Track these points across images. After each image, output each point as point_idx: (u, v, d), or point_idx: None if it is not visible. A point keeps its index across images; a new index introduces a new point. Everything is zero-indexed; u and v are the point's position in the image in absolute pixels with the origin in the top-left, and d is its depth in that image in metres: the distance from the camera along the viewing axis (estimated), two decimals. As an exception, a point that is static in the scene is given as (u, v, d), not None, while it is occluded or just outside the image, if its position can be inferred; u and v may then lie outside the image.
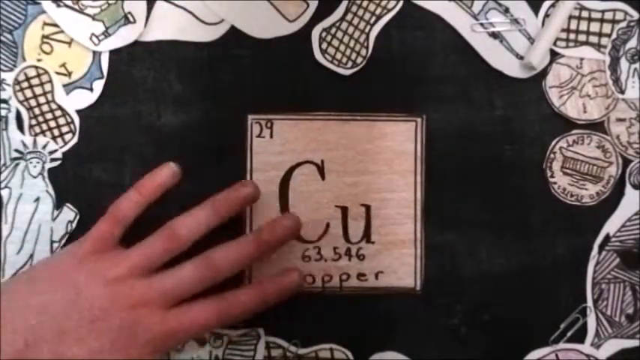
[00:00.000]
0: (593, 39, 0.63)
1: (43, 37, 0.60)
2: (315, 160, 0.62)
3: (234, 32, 0.61)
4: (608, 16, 0.63)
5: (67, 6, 0.60)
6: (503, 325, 0.63)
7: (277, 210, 0.62)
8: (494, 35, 0.63)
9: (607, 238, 0.63)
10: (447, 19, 0.63)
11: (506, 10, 0.63)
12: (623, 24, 0.63)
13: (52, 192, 0.61)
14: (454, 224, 0.63)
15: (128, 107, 0.61)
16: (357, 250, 0.62)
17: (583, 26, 0.63)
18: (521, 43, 0.63)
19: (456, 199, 0.63)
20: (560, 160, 0.63)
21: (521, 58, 0.63)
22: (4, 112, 0.61)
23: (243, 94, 0.62)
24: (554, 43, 0.63)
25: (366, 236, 0.62)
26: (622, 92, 0.63)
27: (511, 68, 0.63)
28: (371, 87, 0.62)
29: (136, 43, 0.61)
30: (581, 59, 0.63)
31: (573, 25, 0.63)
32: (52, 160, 0.61)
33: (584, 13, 0.63)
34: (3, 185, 0.61)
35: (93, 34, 0.60)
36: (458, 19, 0.63)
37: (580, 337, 0.63)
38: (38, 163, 0.61)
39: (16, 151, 0.61)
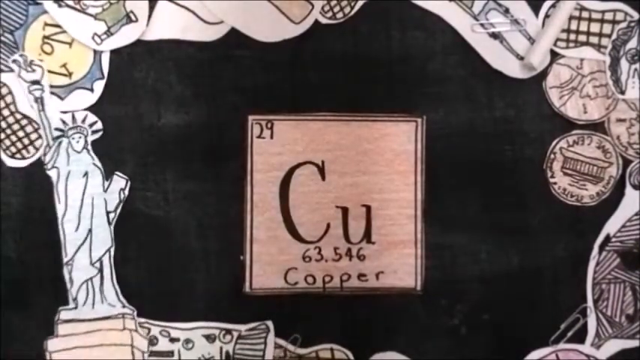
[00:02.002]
0: (594, 39, 0.63)
1: (44, 37, 0.60)
2: (316, 161, 0.62)
3: (235, 32, 0.61)
4: (609, 16, 0.63)
5: (68, 6, 0.60)
6: (503, 325, 0.63)
7: (278, 210, 0.62)
8: (495, 36, 0.63)
9: (607, 238, 0.63)
10: (447, 19, 0.63)
11: (507, 11, 0.63)
12: (624, 24, 0.63)
13: (99, 164, 0.61)
14: (454, 224, 0.63)
15: (129, 108, 0.61)
16: (358, 251, 0.62)
17: (583, 27, 0.63)
18: (521, 43, 0.63)
19: (456, 199, 0.63)
20: (560, 161, 0.63)
21: (521, 58, 0.63)
22: (38, 94, 0.60)
23: (243, 94, 0.62)
24: (555, 44, 0.63)
25: (367, 236, 0.62)
26: (622, 93, 0.63)
27: (511, 68, 0.63)
28: (371, 87, 0.62)
29: (136, 44, 0.61)
30: (582, 60, 0.63)
31: (573, 26, 0.63)
32: (94, 132, 0.61)
33: (585, 14, 0.63)
34: (50, 166, 0.61)
35: (95, 34, 0.60)
36: (458, 20, 0.63)
37: (580, 337, 0.64)
38: (80, 137, 0.61)
39: (57, 129, 0.61)
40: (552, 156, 0.63)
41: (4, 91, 0.60)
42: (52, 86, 0.60)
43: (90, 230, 0.61)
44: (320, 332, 0.62)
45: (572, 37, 0.63)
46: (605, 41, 0.63)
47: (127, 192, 0.61)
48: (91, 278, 0.61)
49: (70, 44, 0.61)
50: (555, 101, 0.63)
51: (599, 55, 0.63)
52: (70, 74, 0.61)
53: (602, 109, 0.63)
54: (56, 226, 0.61)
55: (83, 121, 0.61)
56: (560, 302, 0.63)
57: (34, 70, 0.60)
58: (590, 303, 0.63)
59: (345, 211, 0.62)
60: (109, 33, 0.60)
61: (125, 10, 0.60)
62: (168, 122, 0.61)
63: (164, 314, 0.62)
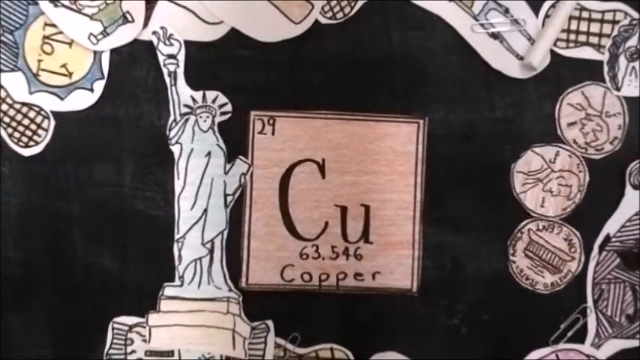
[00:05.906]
0: (594, 39, 0.63)
1: (44, 37, 0.61)
2: (316, 159, 0.62)
3: (235, 32, 0.61)
4: (609, 16, 0.63)
5: (64, 6, 0.60)
6: (503, 325, 0.63)
7: (277, 207, 0.62)
8: (495, 36, 0.63)
9: (607, 238, 0.63)
10: (447, 19, 0.63)
11: (507, 11, 0.63)
12: (625, 22, 0.63)
13: (222, 145, 0.61)
14: (455, 224, 0.63)
15: (129, 108, 0.62)
16: (355, 250, 0.62)
17: (583, 27, 0.63)
18: (521, 43, 0.63)
19: (456, 199, 0.63)
20: (525, 242, 0.63)
21: (521, 58, 0.63)
22: (172, 68, 0.61)
23: (244, 93, 0.62)
24: (555, 44, 0.62)
25: (365, 236, 0.62)
26: (618, 89, 0.63)
27: (511, 69, 0.63)
28: (371, 87, 0.62)
29: (136, 44, 0.61)
30: (557, 154, 0.63)
31: (573, 26, 0.63)
32: (222, 113, 0.61)
33: (585, 14, 0.63)
34: (174, 141, 0.61)
35: (91, 34, 0.60)
36: (458, 20, 0.63)
37: (580, 337, 0.63)
38: (208, 117, 0.61)
39: (186, 106, 0.61)
40: (519, 234, 0.63)
41: (3, 93, 0.61)
42: (52, 86, 0.61)
43: (205, 210, 0.61)
44: (319, 332, 0.62)
45: (572, 37, 0.63)
46: (604, 41, 0.63)
47: (247, 177, 0.61)
48: (200, 258, 0.61)
49: (70, 44, 0.61)
50: (517, 186, 0.63)
51: (598, 56, 0.63)
52: (70, 74, 0.61)
53: (558, 209, 0.63)
54: (56, 225, 0.61)
55: (214, 101, 0.61)
56: (560, 302, 0.63)
57: (172, 44, 0.60)
58: (590, 303, 0.63)
59: (343, 210, 0.62)
60: (105, 33, 0.60)
61: (121, 11, 0.60)
62: (167, 122, 0.61)
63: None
